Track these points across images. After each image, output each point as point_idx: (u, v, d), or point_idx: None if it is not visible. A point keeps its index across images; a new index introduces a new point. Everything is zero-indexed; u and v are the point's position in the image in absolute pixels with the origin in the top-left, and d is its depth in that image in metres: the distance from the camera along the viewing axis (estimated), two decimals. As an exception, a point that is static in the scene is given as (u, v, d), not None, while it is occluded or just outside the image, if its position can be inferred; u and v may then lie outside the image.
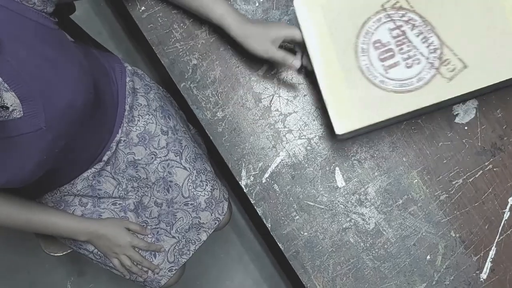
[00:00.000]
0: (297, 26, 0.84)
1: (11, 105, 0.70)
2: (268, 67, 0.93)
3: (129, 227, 1.06)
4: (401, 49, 0.81)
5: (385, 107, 0.81)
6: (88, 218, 1.03)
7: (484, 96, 0.92)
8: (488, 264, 0.90)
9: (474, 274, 0.90)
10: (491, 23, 0.81)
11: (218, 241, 1.67)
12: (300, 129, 0.92)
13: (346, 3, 0.82)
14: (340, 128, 0.82)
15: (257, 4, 0.94)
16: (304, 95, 0.92)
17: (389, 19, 0.81)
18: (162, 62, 0.95)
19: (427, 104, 0.81)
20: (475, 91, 0.82)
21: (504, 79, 0.81)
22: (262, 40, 0.85)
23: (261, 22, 0.90)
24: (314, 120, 0.92)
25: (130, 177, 1.08)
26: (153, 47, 0.95)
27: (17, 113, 0.71)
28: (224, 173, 1.53)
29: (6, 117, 0.70)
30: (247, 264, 1.69)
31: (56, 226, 0.99)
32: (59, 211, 1.00)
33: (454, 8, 0.81)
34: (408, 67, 0.81)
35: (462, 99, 0.86)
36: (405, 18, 0.81)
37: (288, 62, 0.86)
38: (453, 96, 0.81)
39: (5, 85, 0.69)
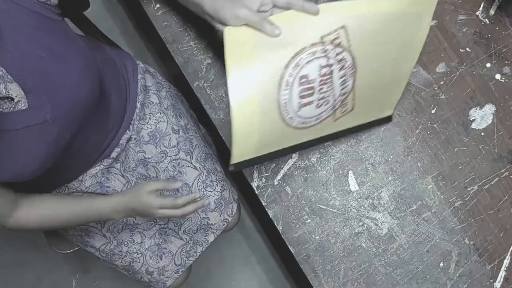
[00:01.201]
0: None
1: (16, 96, 0.69)
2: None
3: (153, 188, 0.92)
4: (321, 88, 0.74)
5: (279, 141, 0.77)
6: (112, 196, 0.93)
7: (502, 102, 0.90)
8: (502, 273, 0.88)
9: (487, 283, 0.88)
10: (397, 76, 0.80)
11: (224, 242, 1.66)
12: (314, 131, 0.91)
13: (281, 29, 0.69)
14: (236, 158, 0.74)
15: None
16: (319, 97, 0.91)
17: (323, 54, 0.72)
18: (176, 60, 0.93)
19: (306, 140, 0.82)
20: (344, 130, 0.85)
21: (371, 120, 0.82)
22: (232, 6, 0.71)
23: None
24: (328, 123, 0.91)
25: (139, 176, 1.07)
26: (167, 45, 0.94)
27: (22, 105, 0.70)
28: (233, 174, 1.51)
29: (11, 108, 0.70)
30: (253, 266, 1.67)
31: (90, 212, 0.91)
32: (87, 198, 0.94)
33: (381, 56, 0.76)
34: (317, 107, 0.76)
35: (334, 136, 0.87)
36: (339, 57, 0.73)
37: (265, 29, 0.69)
38: (326, 134, 0.83)
39: (9, 76, 0.68)
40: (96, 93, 0.81)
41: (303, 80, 0.72)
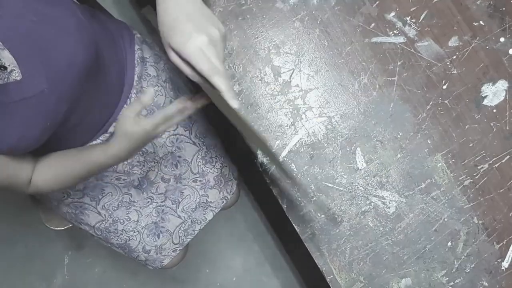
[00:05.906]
0: None
1: (8, 65, 0.65)
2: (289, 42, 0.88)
3: (133, 114, 0.76)
4: None
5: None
6: (108, 146, 0.81)
7: (515, 78, 0.87)
8: (510, 253, 0.87)
9: (495, 263, 0.87)
10: None
11: (221, 219, 1.64)
12: (321, 106, 0.87)
13: None
14: None
15: None
16: (327, 71, 0.88)
17: None
18: (176, 30, 0.89)
19: None
20: None
21: None
22: (169, 34, 0.66)
23: (202, 17, 0.68)
24: (336, 98, 0.88)
25: (136, 151, 1.03)
26: (167, 14, 0.89)
27: (16, 75, 0.66)
28: (234, 151, 1.48)
29: (5, 79, 0.66)
30: (250, 243, 1.66)
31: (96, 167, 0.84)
32: (85, 154, 0.84)
33: None
34: None
35: None
36: None
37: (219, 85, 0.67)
38: None
39: (0, 43, 0.64)
40: (92, 57, 0.76)
41: None
